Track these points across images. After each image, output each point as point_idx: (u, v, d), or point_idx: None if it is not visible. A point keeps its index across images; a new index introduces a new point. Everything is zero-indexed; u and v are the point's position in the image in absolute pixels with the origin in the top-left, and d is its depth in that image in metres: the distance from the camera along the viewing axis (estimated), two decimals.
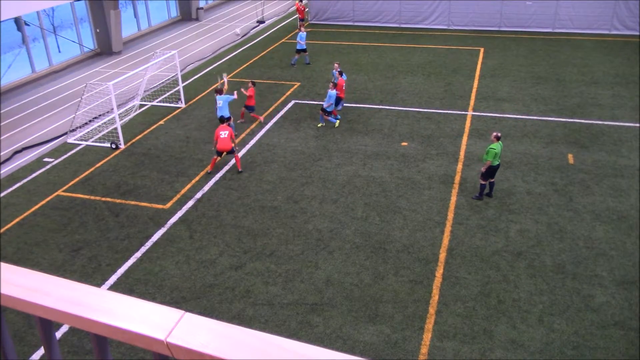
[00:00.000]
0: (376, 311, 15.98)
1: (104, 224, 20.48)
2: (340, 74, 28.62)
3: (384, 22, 46.52)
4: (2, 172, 24.49)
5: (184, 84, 34.17)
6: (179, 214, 20.88)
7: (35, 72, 37.38)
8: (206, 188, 22.44)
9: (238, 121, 28.19)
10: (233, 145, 23.19)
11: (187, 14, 52.38)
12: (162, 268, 18.05)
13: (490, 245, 18.67)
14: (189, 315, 1.89)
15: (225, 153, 23.35)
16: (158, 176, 23.45)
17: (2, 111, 31.53)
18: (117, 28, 41.42)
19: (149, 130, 27.89)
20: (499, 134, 20.50)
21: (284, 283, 17.13)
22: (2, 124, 29.76)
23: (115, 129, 27.75)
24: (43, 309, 1.98)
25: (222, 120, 23.87)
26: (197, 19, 52.20)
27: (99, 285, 17.21)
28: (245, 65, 37.19)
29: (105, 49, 42.17)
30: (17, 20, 36.50)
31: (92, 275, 17.82)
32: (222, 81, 27.54)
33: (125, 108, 30.78)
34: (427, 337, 15.08)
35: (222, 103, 25.79)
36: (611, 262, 17.84)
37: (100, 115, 30.08)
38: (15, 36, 36.16)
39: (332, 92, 27.03)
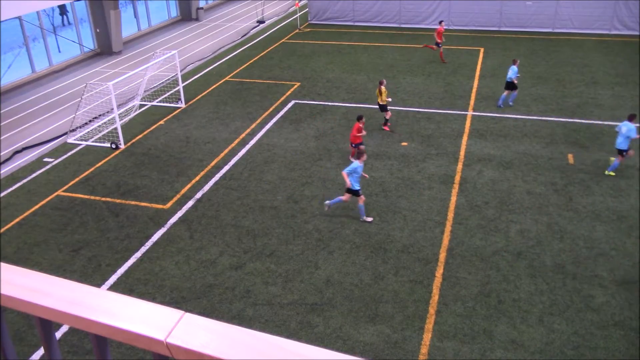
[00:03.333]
0: (376, 311, 15.97)
1: (104, 224, 20.47)
2: None
3: (384, 22, 46.53)
4: (2, 172, 24.49)
5: (184, 84, 34.16)
6: (179, 214, 20.87)
7: (35, 72, 37.39)
8: (206, 188, 22.42)
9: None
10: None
11: (187, 14, 52.38)
12: (162, 268, 18.05)
13: (490, 245, 18.65)
14: (189, 315, 1.89)
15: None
16: (158, 176, 23.43)
17: (2, 111, 31.52)
18: (117, 28, 41.42)
19: (149, 130, 27.88)
20: None
21: (284, 283, 17.12)
22: (2, 124, 29.76)
23: (115, 128, 27.74)
24: (43, 309, 1.98)
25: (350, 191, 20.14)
26: (197, 19, 52.19)
27: (99, 285, 17.22)
28: (245, 66, 37.17)
29: (105, 49, 42.17)
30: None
31: (92, 275, 17.82)
32: None
33: (125, 108, 30.77)
34: (427, 337, 15.07)
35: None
36: (611, 262, 17.83)
37: (100, 115, 30.08)
38: (15, 36, 36.16)
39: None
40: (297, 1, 49.03)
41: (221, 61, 38.56)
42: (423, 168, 23.39)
